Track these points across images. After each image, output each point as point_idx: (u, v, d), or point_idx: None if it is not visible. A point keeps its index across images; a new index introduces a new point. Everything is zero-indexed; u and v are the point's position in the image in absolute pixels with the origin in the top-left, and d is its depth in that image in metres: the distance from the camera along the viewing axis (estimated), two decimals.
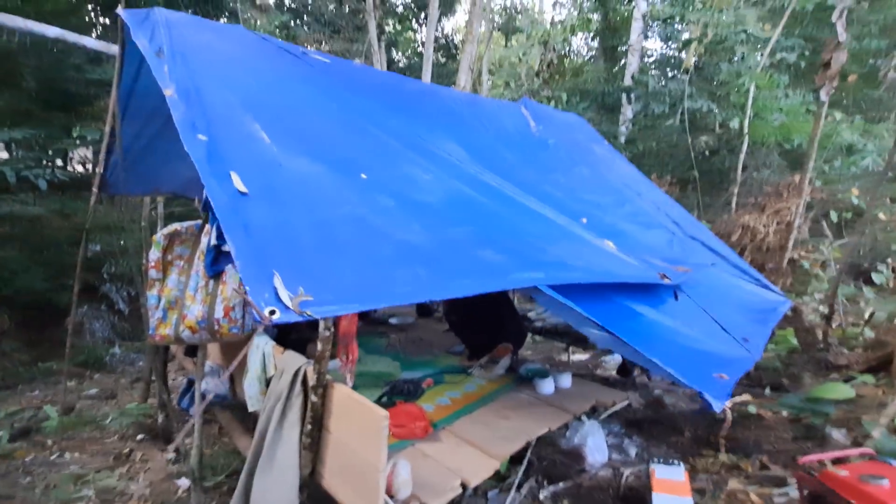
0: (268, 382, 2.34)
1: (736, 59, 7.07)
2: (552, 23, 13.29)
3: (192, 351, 3.39)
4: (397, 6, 13.86)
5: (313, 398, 1.91)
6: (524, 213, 2.47)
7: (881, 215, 5.17)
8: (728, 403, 1.80)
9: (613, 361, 5.49)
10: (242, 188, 1.51)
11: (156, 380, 3.64)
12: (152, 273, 2.53)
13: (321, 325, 1.81)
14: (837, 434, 2.81)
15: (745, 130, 7.08)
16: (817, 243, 6.14)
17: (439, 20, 12.86)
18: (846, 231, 6.68)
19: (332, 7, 11.40)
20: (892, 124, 6.62)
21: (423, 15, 13.58)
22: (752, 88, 6.84)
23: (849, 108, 7.12)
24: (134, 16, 2.16)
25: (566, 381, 3.11)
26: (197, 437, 2.65)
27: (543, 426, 2.61)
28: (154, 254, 2.54)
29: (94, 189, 3.61)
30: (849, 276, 6.14)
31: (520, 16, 15.83)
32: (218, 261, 2.47)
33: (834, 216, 6.48)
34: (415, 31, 14.84)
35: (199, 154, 1.53)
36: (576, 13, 12.59)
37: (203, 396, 2.72)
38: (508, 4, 16.19)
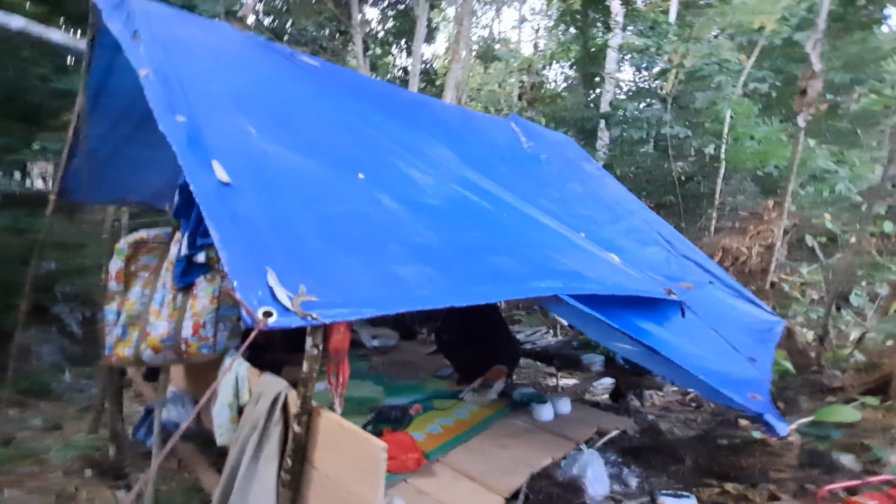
0: (240, 410, 2.07)
1: (713, 86, 7.31)
2: (535, 48, 13.64)
3: (152, 376, 3.05)
4: (378, 31, 14.00)
5: (296, 427, 1.66)
6: (528, 222, 2.33)
7: (864, 242, 5.27)
8: (793, 426, 1.65)
9: (602, 387, 5.34)
10: (225, 178, 1.30)
11: (108, 407, 3.27)
12: (112, 285, 2.25)
13: (308, 341, 1.59)
14: (846, 460, 2.70)
15: (723, 156, 7.26)
16: (796, 267, 6.24)
17: None
18: (824, 255, 6.83)
19: (313, 31, 11.39)
20: (861, 151, 6.91)
21: (403, 41, 13.73)
22: (729, 116, 7.05)
23: (820, 134, 7.41)
24: (107, 0, 1.96)
25: (565, 406, 2.92)
26: (153, 471, 2.33)
27: (546, 456, 2.40)
28: (115, 263, 2.26)
29: (52, 196, 3.30)
30: (826, 300, 6.25)
31: (498, 45, 16.25)
32: (189, 272, 2.22)
33: (809, 240, 6.63)
34: (394, 57, 14.97)
35: (177, 137, 1.32)
36: (554, 43, 12.98)
37: (164, 427, 2.41)
38: (487, 35, 16.63)
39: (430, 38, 14.75)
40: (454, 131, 3.18)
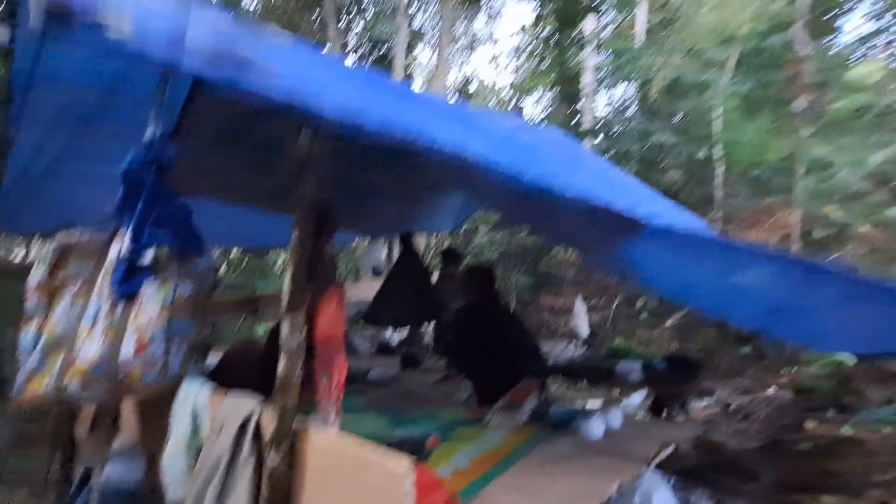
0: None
1: (696, 88, 7.28)
2: (514, 73, 13.93)
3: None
4: None
5: (273, 458, 1.14)
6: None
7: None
8: None
9: (632, 405, 4.79)
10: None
11: (50, 479, 2.63)
12: (31, 303, 1.73)
13: (283, 328, 1.11)
14: None
15: (718, 157, 7.12)
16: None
17: None
18: (830, 248, 6.57)
19: None
20: (854, 138, 6.81)
21: None
22: (720, 114, 6.96)
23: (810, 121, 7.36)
24: None
25: (615, 419, 2.38)
26: None
27: (610, 482, 1.86)
28: (37, 274, 1.75)
29: None
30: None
31: (473, 82, 16.64)
32: (131, 277, 1.73)
33: (817, 234, 6.38)
34: None
35: None
36: (530, 76, 13.27)
37: (104, 490, 1.81)
38: (462, 77, 17.10)
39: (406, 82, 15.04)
40: (451, 114, 2.82)
